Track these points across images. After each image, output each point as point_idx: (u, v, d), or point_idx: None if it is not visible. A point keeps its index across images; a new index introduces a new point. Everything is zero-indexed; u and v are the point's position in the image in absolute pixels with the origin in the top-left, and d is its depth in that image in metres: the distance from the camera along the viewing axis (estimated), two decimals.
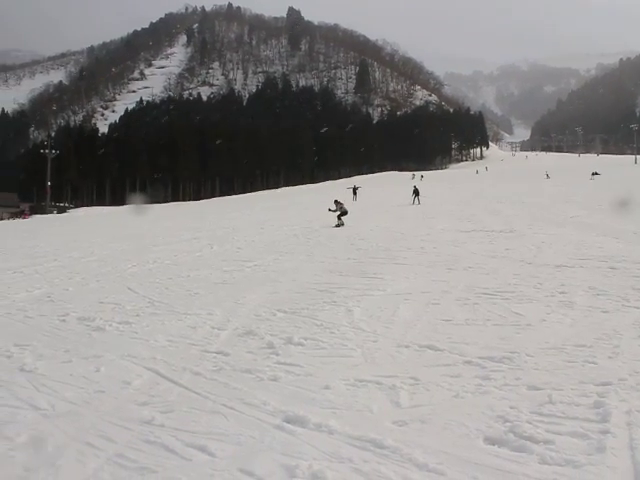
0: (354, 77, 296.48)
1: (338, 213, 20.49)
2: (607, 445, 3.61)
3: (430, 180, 74.04)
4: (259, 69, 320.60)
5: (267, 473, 3.42)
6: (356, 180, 74.24)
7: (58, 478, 3.47)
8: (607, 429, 3.84)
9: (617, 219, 19.19)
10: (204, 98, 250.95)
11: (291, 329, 6.74)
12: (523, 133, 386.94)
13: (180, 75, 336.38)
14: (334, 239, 16.86)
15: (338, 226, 19.72)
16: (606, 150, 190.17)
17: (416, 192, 35.14)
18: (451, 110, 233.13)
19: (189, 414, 4.41)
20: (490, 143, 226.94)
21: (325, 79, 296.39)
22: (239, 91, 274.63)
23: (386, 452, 3.62)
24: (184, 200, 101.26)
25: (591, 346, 5.75)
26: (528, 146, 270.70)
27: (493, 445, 3.70)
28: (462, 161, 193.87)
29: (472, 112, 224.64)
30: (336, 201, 21.18)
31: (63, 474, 3.52)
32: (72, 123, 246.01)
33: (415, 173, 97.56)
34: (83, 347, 6.53)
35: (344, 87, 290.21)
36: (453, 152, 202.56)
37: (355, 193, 42.55)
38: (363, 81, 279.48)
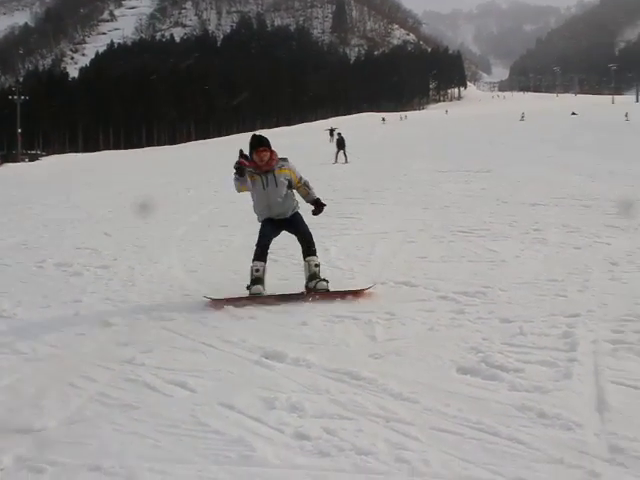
0: (331, 16, 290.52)
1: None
2: (574, 372, 3.74)
3: (408, 122, 73.77)
4: (233, 9, 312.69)
5: (246, 406, 3.51)
6: (333, 122, 73.52)
7: (42, 417, 3.52)
8: (574, 357, 3.97)
9: (592, 158, 19.37)
10: (177, 40, 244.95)
11: (270, 268, 6.80)
12: (501, 73, 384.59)
13: (152, 16, 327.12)
14: (316, 181, 16.82)
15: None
16: (584, 90, 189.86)
17: (340, 144, 25.99)
18: (429, 50, 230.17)
19: (169, 353, 4.48)
20: (468, 83, 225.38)
21: (301, 18, 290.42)
22: (213, 32, 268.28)
23: (362, 383, 3.73)
24: (159, 145, 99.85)
25: (562, 280, 5.89)
26: (506, 86, 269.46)
27: (465, 375, 3.82)
28: (440, 102, 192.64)
29: (450, 52, 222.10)
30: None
31: (47, 413, 3.57)
32: (41, 67, 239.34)
33: (385, 116, 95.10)
34: (61, 292, 6.56)
35: (320, 27, 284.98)
36: (431, 92, 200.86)
37: (332, 135, 42.22)
38: (340, 20, 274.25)
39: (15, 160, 78.61)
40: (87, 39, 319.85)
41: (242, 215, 11.60)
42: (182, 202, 14.69)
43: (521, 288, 5.70)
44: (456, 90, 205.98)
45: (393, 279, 6.20)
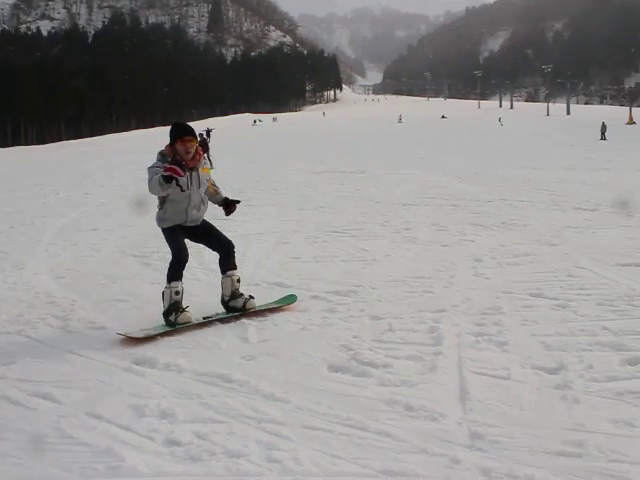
0: (207, 15, 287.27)
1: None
2: (438, 365, 3.93)
3: (284, 123, 74.23)
4: (105, 3, 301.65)
5: (115, 414, 3.41)
6: (209, 122, 72.72)
7: None
8: (440, 351, 4.17)
9: (462, 160, 20.39)
10: (44, 33, 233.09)
11: (143, 271, 6.66)
12: (376, 76, 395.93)
13: (15, 6, 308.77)
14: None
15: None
16: (452, 95, 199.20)
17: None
18: (305, 52, 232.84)
19: (33, 364, 4.27)
20: (344, 86, 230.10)
21: (176, 17, 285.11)
22: (84, 27, 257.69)
23: (234, 385, 3.73)
24: (27, 145, 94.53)
25: (430, 277, 6.16)
26: (380, 89, 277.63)
27: (336, 372, 3.91)
28: (316, 103, 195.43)
29: (326, 54, 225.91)
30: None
31: None
32: None
33: (258, 118, 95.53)
34: None
35: (196, 26, 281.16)
36: (307, 94, 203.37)
37: (209, 136, 41.64)
38: (216, 20, 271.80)
39: None
40: None
41: (114, 218, 11.28)
42: (51, 205, 14.00)
43: (391, 286, 5.91)
44: (332, 92, 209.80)
45: (266, 280, 6.25)
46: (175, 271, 4.95)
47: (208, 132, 41.76)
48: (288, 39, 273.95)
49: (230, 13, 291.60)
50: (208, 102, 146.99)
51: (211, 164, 24.42)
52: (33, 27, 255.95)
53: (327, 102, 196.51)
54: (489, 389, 3.59)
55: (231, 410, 3.42)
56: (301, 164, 20.72)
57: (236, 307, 5.10)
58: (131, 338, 4.59)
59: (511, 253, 7.14)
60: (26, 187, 18.69)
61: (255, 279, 6.26)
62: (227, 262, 5.18)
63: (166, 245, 5.12)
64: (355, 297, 5.54)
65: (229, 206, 5.41)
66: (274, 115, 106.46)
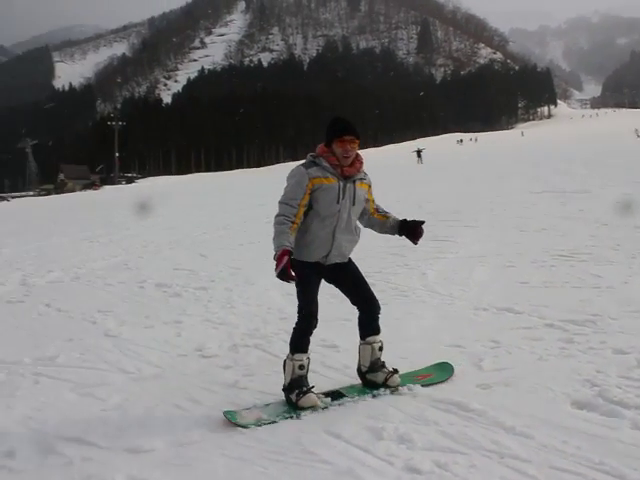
0: (416, 37, 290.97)
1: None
2: None
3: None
4: (319, 32, 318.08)
5: (353, 435, 3.42)
6: (420, 143, 73.12)
7: (150, 438, 3.58)
8: None
9: None
10: (264, 64, 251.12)
11: None
12: (593, 90, 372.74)
13: (240, 42, 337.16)
14: (401, 202, 16.71)
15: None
16: None
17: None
18: (517, 68, 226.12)
19: (270, 377, 4.48)
20: (558, 101, 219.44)
21: (386, 40, 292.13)
22: (299, 56, 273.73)
23: (472, 415, 3.59)
24: (249, 167, 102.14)
25: None
26: (599, 103, 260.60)
27: (581, 409, 3.61)
28: (529, 120, 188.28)
29: (539, 69, 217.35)
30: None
31: (154, 434, 3.62)
32: (136, 94, 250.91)
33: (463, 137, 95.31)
34: (163, 312, 6.71)
35: (405, 48, 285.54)
36: (519, 111, 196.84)
37: (419, 156, 41.97)
38: (425, 41, 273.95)
39: (113, 183, 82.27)
40: (179, 66, 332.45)
41: None
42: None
43: (633, 317, 5.39)
44: (545, 108, 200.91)
45: (494, 305, 6.00)
46: (299, 340, 3.98)
47: (419, 152, 42.22)
48: (498, 55, 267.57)
49: (439, 33, 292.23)
50: (418, 122, 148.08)
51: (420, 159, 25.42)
52: (255, 59, 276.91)
53: (541, 119, 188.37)
54: None
55: (470, 441, 3.29)
56: (517, 182, 19.93)
57: (375, 382, 4.14)
58: (234, 423, 3.71)
59: None
60: (250, 207, 20.07)
61: (482, 303, 6.05)
62: (369, 325, 4.16)
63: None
64: (594, 327, 5.12)
65: (414, 229, 4.10)
66: (474, 135, 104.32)
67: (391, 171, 32.01)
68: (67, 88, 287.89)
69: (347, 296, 4.16)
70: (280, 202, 3.88)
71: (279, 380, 4.25)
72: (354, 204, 3.92)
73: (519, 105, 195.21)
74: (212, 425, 3.73)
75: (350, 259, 4.11)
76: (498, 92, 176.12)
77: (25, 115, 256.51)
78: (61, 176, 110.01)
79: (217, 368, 4.78)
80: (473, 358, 4.58)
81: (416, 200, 16.82)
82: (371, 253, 9.30)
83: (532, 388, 3.95)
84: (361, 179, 3.99)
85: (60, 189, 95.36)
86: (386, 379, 4.09)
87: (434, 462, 3.09)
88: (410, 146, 71.39)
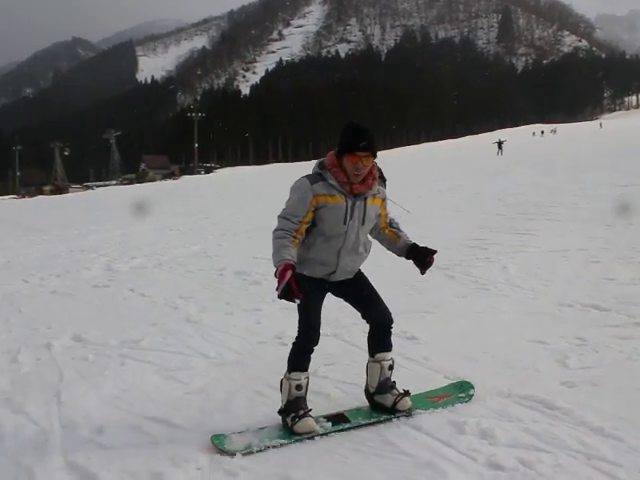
0: (496, 26, 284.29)
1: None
2: None
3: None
4: (397, 23, 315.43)
5: (435, 428, 3.39)
6: (500, 134, 71.45)
7: (232, 421, 3.64)
8: None
9: None
10: (342, 55, 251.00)
11: (447, 284, 6.64)
12: None
13: (318, 33, 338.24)
14: (481, 195, 16.41)
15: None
16: None
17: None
18: (603, 55, 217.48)
19: (350, 367, 4.47)
20: None
21: (465, 29, 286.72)
22: (377, 46, 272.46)
23: (557, 413, 3.48)
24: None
25: None
26: None
27: None
28: (615, 111, 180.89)
29: (628, 56, 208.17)
30: None
31: (236, 418, 3.68)
32: (215, 86, 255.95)
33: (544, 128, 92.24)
34: (242, 300, 6.81)
35: (485, 37, 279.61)
36: (605, 101, 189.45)
37: (500, 147, 41.05)
38: (506, 29, 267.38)
39: (192, 172, 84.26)
40: (257, 58, 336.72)
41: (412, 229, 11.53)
42: None
43: None
44: (634, 98, 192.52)
45: (580, 301, 5.79)
46: (298, 357, 3.59)
47: (500, 143, 41.27)
48: (584, 43, 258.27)
49: (520, 21, 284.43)
50: (498, 114, 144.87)
51: (500, 151, 24.92)
52: (332, 50, 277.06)
53: (628, 109, 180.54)
54: None
55: (556, 440, 3.19)
56: (600, 175, 19.16)
57: (383, 405, 3.69)
58: (221, 450, 3.33)
59: None
60: None
61: (567, 299, 5.85)
62: (380, 341, 3.75)
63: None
64: None
65: (423, 258, 3.65)
66: (553, 126, 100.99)
67: (469, 163, 31.45)
68: (149, 81, 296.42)
69: (357, 310, 3.78)
70: (280, 216, 3.46)
71: (360, 371, 4.23)
72: (363, 223, 3.51)
73: (605, 95, 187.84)
74: None
75: (359, 270, 3.73)
76: (582, 81, 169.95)
77: (109, 107, 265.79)
78: (142, 166, 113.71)
79: None
80: (558, 355, 4.44)
81: (495, 192, 16.44)
82: (450, 245, 9.18)
83: (620, 389, 3.80)
84: (374, 195, 3.53)
85: (141, 178, 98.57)
86: (395, 402, 3.64)
87: (518, 459, 3.02)
88: (490, 138, 69.81)
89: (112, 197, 37.52)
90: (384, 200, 3.64)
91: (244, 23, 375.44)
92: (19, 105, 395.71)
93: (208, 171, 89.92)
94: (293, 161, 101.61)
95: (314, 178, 3.45)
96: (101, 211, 24.48)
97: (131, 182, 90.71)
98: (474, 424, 3.40)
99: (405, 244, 3.70)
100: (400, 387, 3.72)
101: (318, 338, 3.53)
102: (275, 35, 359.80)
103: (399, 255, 3.75)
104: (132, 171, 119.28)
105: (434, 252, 3.63)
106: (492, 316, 5.54)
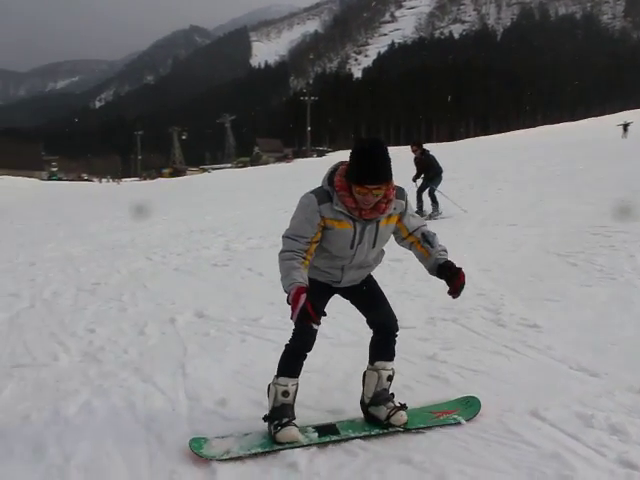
0: None
1: None
2: None
3: None
4: (513, 1, 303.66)
5: (560, 419, 3.28)
6: (625, 115, 67.42)
7: (350, 400, 3.69)
8: None
9: None
10: (456, 36, 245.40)
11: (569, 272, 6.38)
12: None
13: (430, 14, 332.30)
14: (602, 180, 15.58)
15: None
16: None
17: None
18: None
19: (470, 352, 4.41)
20: None
21: (588, 4, 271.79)
22: (492, 26, 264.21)
23: None
24: (438, 142, 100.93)
25: None
26: None
27: None
28: None
29: None
30: None
31: (354, 397, 3.72)
32: (328, 70, 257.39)
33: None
34: None
35: (611, 12, 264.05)
36: None
37: (626, 130, 38.77)
38: (635, 2, 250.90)
39: (305, 155, 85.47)
40: (369, 41, 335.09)
41: (530, 214, 11.14)
42: (467, 198, 14.50)
43: None
44: None
45: None
46: (289, 361, 3.36)
47: (626, 125, 38.99)
48: None
49: None
50: (622, 94, 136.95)
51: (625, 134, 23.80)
52: (446, 31, 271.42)
53: None
54: None
55: None
56: None
57: (377, 418, 3.45)
58: (199, 456, 3.16)
59: None
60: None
61: None
62: (382, 349, 3.51)
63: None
64: None
65: (453, 278, 3.19)
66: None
67: (590, 147, 29.94)
68: (263, 66, 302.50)
69: (362, 313, 3.54)
70: (286, 237, 3.23)
71: (482, 357, 4.18)
72: (374, 246, 3.25)
73: None
74: (413, 395, 3.76)
75: (369, 275, 3.49)
76: None
77: (224, 93, 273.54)
78: (256, 149, 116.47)
79: (415, 340, 4.78)
80: None
81: (620, 177, 15.58)
82: (572, 231, 8.83)
83: None
84: (389, 215, 3.20)
85: (255, 161, 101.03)
86: (389, 416, 3.38)
87: None
88: (613, 120, 66.07)
89: (227, 179, 38.70)
90: (402, 213, 3.28)
91: (356, 6, 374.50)
92: (141, 92, 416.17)
93: (320, 154, 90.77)
94: (405, 145, 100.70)
95: (322, 197, 3.14)
96: (218, 192, 25.34)
97: (245, 165, 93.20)
98: (602, 418, 3.26)
99: (435, 262, 3.28)
100: (411, 399, 3.61)
101: (313, 343, 3.30)
102: (387, 17, 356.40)
103: (430, 274, 3.36)
104: (246, 154, 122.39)
105: (459, 271, 3.18)
106: (620, 307, 5.28)
